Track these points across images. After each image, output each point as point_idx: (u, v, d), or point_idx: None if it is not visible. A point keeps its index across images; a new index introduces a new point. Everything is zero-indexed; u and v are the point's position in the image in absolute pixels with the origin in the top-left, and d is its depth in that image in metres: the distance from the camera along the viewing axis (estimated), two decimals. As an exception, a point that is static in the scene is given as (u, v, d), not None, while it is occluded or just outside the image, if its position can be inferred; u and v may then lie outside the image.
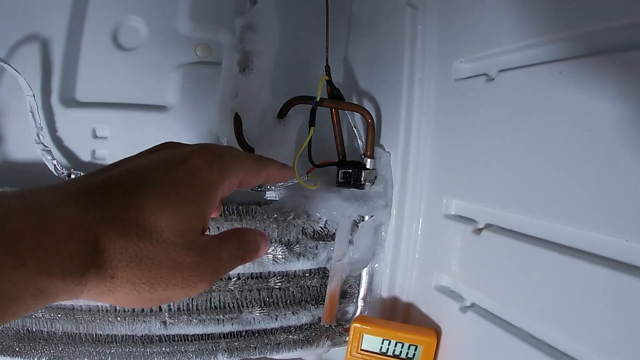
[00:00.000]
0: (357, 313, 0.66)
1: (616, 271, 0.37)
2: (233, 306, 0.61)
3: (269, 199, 0.63)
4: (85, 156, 0.66)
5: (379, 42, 0.69)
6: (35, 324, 0.60)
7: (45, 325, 0.60)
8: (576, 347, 0.40)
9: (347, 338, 0.62)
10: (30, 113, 0.61)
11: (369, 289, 0.66)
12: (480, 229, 0.53)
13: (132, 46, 0.68)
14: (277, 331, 0.63)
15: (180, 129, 0.68)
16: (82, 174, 0.60)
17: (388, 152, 0.65)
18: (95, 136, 0.67)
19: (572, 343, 0.41)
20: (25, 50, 0.65)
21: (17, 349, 0.59)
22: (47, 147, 0.61)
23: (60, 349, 0.60)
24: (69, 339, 0.60)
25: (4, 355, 0.59)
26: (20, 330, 0.60)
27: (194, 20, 0.69)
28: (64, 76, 0.66)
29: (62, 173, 0.60)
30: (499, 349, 0.48)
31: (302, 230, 0.61)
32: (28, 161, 0.65)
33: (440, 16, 0.61)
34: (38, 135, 0.61)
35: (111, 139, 0.67)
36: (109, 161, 0.66)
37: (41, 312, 0.59)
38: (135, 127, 0.67)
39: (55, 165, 0.60)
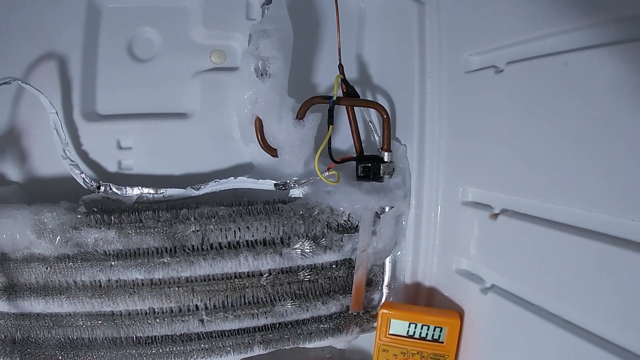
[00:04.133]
0: (383, 300, 0.72)
1: (625, 249, 0.41)
2: (266, 300, 0.66)
3: (293, 196, 0.69)
4: (112, 167, 0.71)
5: (388, 38, 0.74)
6: (76, 332, 0.64)
7: (86, 332, 0.64)
8: (590, 321, 0.45)
9: (375, 324, 0.68)
10: (54, 130, 0.64)
11: (393, 276, 0.72)
12: (497, 214, 0.58)
13: (148, 57, 0.73)
14: (308, 321, 0.69)
15: (202, 135, 0.72)
16: (111, 185, 0.64)
17: (404, 144, 0.70)
18: (120, 147, 0.71)
19: (586, 317, 0.46)
20: (43, 68, 0.69)
21: (60, 357, 0.64)
22: (74, 161, 0.65)
23: (102, 353, 0.64)
24: (110, 343, 0.65)
25: None
26: (62, 339, 0.64)
27: (207, 27, 0.73)
28: (84, 91, 0.70)
29: (92, 185, 0.64)
30: (518, 326, 0.53)
31: (327, 225, 0.66)
32: (56, 176, 0.69)
33: (447, 10, 0.65)
34: (64, 151, 0.64)
35: (136, 149, 0.71)
36: (136, 170, 0.71)
37: (81, 320, 0.63)
38: (158, 136, 0.72)
39: (83, 178, 0.64)
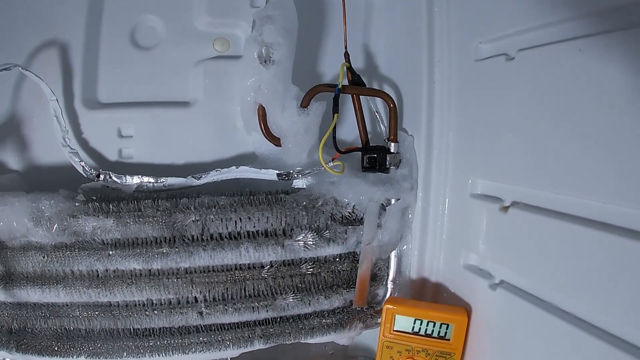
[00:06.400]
0: (387, 295, 0.71)
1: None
2: (267, 293, 0.65)
3: (296, 187, 0.67)
4: (112, 156, 0.71)
5: (396, 26, 0.73)
6: (73, 322, 0.64)
7: (83, 323, 0.64)
8: (604, 319, 0.44)
9: (379, 320, 0.67)
10: (54, 117, 0.64)
11: (398, 270, 0.70)
12: (507, 207, 0.56)
13: (151, 45, 0.72)
14: (310, 316, 0.68)
15: (204, 124, 0.72)
16: (110, 173, 0.64)
17: (411, 135, 0.69)
18: (120, 135, 0.71)
19: (600, 315, 0.44)
20: (44, 56, 0.69)
21: (56, 348, 0.64)
22: (74, 149, 0.64)
23: (99, 345, 0.64)
24: (107, 335, 0.64)
25: (44, 355, 0.63)
26: (58, 329, 0.64)
27: (211, 15, 0.72)
28: (85, 79, 0.70)
29: (91, 174, 0.64)
30: (528, 323, 0.52)
31: (331, 216, 0.65)
32: (56, 164, 0.69)
33: (456, -3, 0.64)
34: (64, 139, 0.64)
35: (137, 138, 0.71)
36: (137, 159, 0.71)
37: (78, 311, 0.63)
38: (159, 124, 0.71)
39: (83, 166, 0.64)
